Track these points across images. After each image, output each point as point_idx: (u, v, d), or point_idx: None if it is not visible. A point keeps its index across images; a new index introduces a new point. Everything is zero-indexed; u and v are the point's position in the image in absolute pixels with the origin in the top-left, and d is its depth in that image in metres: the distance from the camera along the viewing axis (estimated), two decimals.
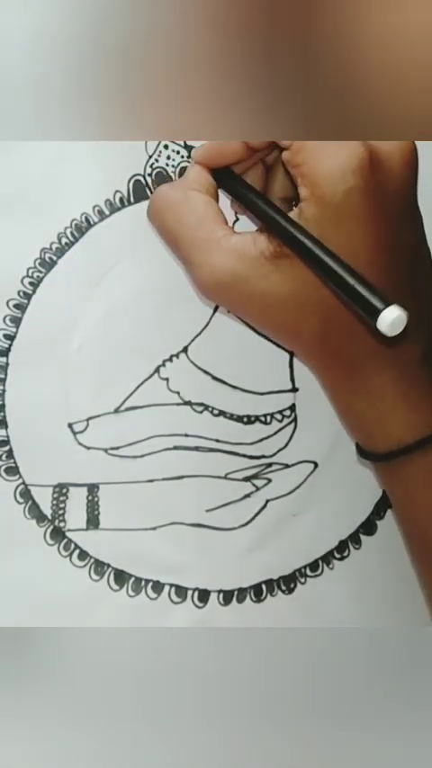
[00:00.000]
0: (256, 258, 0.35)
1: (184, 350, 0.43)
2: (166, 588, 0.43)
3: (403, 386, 0.37)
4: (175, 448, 0.43)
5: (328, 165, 0.34)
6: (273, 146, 0.38)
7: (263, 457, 0.44)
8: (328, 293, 0.35)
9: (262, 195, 0.37)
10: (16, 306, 0.41)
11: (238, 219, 0.42)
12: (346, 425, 0.40)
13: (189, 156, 0.42)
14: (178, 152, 0.42)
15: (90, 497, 0.42)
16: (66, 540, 0.42)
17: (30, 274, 0.41)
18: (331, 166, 0.34)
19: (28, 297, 0.41)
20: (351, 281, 0.33)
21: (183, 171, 0.42)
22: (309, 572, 0.44)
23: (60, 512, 0.42)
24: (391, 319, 0.32)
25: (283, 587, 0.43)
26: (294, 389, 0.44)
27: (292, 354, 0.43)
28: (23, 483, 0.42)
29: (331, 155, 0.34)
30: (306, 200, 0.34)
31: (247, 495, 0.43)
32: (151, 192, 0.42)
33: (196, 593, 0.43)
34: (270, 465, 0.44)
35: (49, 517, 0.42)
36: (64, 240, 0.41)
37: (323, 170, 0.34)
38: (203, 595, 0.43)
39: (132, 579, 0.43)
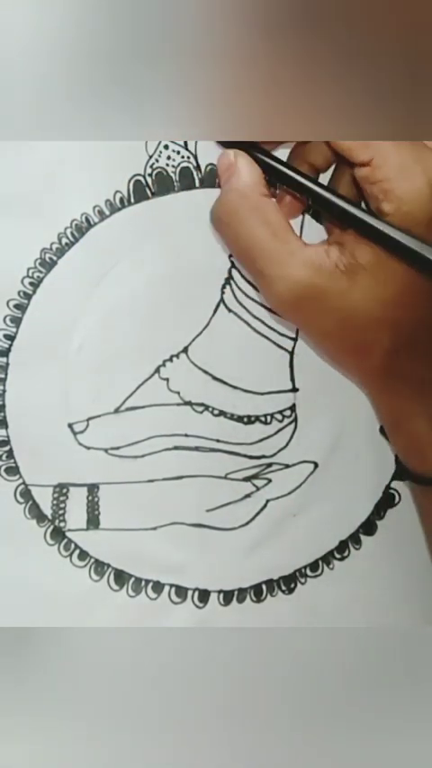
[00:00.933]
0: (332, 271, 0.34)
1: (184, 350, 0.43)
2: (167, 588, 0.43)
3: None
4: (176, 448, 0.43)
5: (416, 183, 0.34)
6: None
7: (263, 457, 0.43)
8: (405, 313, 0.35)
9: (325, 186, 0.36)
10: (16, 306, 0.41)
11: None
12: (399, 447, 0.40)
13: (189, 157, 0.42)
14: (178, 152, 0.42)
15: (90, 497, 0.42)
16: (66, 540, 0.42)
17: (30, 274, 0.41)
18: (420, 184, 0.34)
19: (28, 297, 0.41)
20: (427, 253, 0.33)
21: (183, 171, 0.42)
22: (309, 572, 0.44)
23: (60, 512, 0.42)
24: None
25: (283, 587, 0.43)
26: (294, 389, 0.44)
27: (292, 354, 0.43)
28: (23, 483, 0.42)
29: (418, 172, 0.34)
30: (390, 215, 0.34)
31: (248, 495, 0.43)
32: (152, 193, 0.42)
33: (196, 594, 0.43)
34: (270, 465, 0.44)
35: (50, 517, 0.42)
36: (64, 240, 0.41)
37: (411, 188, 0.34)
38: (203, 595, 0.43)
39: (132, 579, 0.43)
